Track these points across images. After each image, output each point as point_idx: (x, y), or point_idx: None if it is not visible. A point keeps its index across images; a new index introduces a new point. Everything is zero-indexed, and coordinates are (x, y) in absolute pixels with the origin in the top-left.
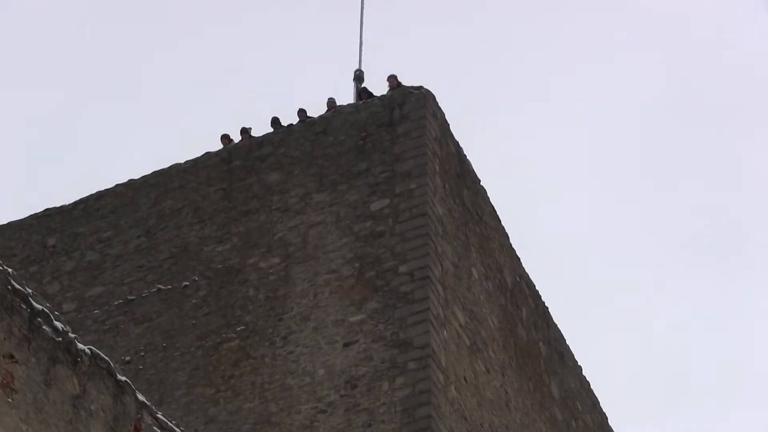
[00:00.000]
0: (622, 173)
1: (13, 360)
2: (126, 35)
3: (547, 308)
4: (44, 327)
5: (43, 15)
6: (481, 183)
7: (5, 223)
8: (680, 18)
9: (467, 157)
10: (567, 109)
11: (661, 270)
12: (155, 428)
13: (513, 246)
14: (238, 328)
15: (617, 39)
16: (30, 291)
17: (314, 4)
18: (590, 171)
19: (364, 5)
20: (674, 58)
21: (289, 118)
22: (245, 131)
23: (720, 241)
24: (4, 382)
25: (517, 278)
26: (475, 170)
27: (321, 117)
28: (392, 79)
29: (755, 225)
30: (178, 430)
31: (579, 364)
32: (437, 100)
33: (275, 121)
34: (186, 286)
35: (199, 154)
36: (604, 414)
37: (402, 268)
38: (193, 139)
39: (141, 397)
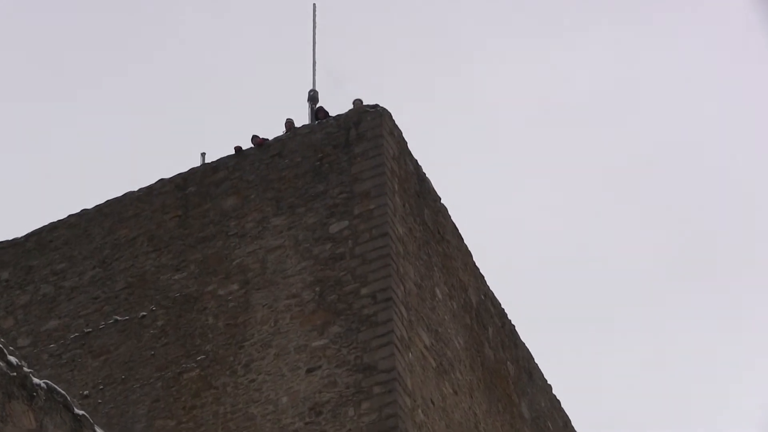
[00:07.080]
0: (586, 189)
1: None
2: (79, 59)
3: (514, 327)
4: None
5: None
6: (442, 201)
7: None
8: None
9: (426, 176)
10: (525, 124)
11: (628, 285)
12: None
13: (476, 264)
14: (198, 358)
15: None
16: None
17: (266, 25)
18: (552, 186)
19: (317, 25)
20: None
21: (244, 143)
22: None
23: (689, 256)
24: None
25: (482, 297)
26: (435, 188)
27: (276, 139)
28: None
29: (728, 243)
30: None
31: (549, 382)
32: (393, 117)
33: (239, 151)
34: (143, 316)
35: (153, 181)
36: None
37: (364, 291)
38: (146, 165)
39: (99, 431)
